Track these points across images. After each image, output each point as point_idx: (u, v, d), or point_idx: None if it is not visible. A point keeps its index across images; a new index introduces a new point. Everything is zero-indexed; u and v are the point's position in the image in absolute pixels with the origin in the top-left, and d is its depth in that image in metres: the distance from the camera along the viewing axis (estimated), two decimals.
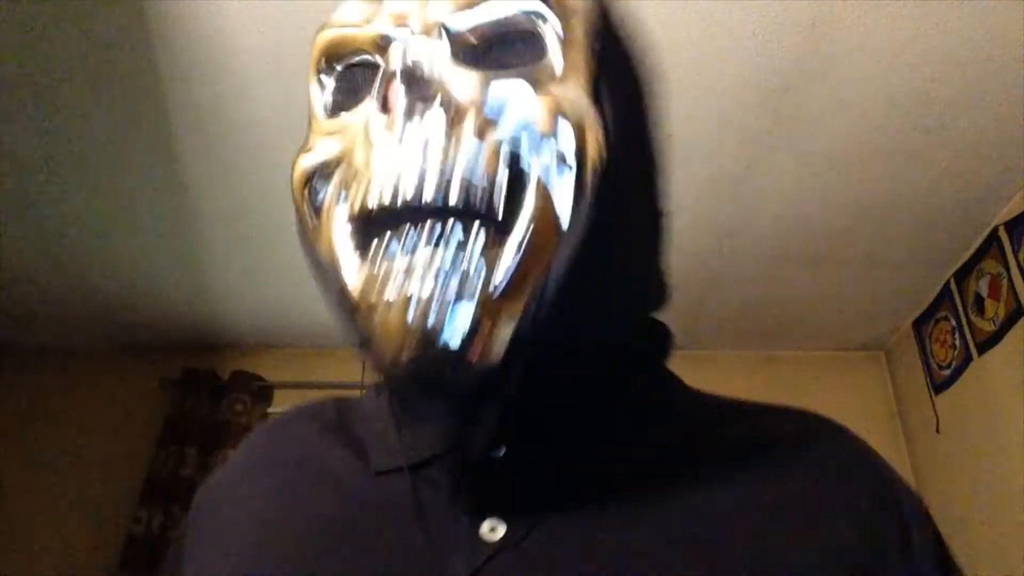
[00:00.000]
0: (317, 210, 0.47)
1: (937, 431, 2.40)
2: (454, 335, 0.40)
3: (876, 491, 0.48)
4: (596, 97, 0.45)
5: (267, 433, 0.60)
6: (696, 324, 2.60)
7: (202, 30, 1.59)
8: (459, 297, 0.40)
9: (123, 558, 2.41)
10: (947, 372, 2.34)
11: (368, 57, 0.49)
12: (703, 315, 2.56)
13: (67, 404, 2.77)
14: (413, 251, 0.41)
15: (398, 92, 0.43)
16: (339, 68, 0.50)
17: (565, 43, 0.46)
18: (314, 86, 0.51)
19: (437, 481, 0.47)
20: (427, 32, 0.46)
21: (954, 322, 2.31)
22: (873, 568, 0.44)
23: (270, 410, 2.75)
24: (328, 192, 0.46)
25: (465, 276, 0.40)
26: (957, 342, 2.29)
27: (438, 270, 0.40)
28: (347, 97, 0.50)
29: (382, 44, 0.47)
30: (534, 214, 0.42)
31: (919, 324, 2.52)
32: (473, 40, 0.46)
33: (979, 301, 2.17)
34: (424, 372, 0.42)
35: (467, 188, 0.41)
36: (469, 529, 0.44)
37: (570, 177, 0.42)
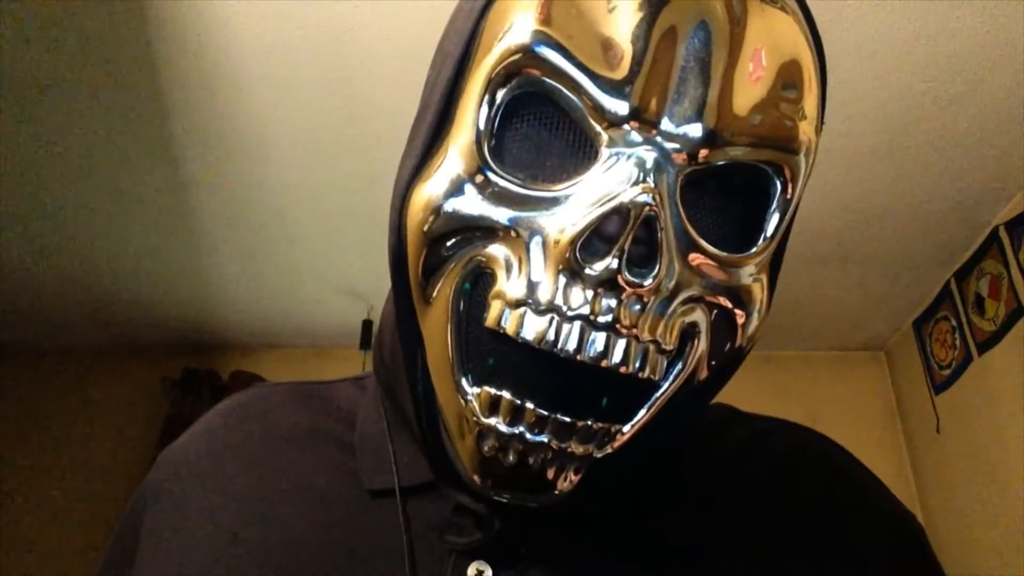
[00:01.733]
0: (433, 270, 0.40)
1: (937, 431, 2.40)
2: (540, 487, 0.40)
3: (876, 523, 0.49)
4: (772, 279, 0.44)
5: (243, 415, 0.55)
6: None
7: (202, 30, 1.59)
8: (563, 462, 0.40)
9: None
10: (947, 372, 2.34)
11: (576, 107, 0.39)
12: None
13: (67, 404, 2.77)
14: (543, 425, 0.39)
15: (621, 250, 0.37)
16: (525, 85, 0.40)
17: (785, 210, 0.42)
18: (480, 88, 0.40)
19: (428, 509, 0.46)
20: (667, 139, 0.38)
21: (954, 322, 2.30)
22: None
23: None
24: (458, 264, 0.40)
25: (577, 456, 0.39)
26: (957, 342, 2.29)
27: (561, 447, 0.39)
28: (519, 143, 0.40)
29: (613, 118, 0.38)
30: (663, 401, 0.40)
31: (919, 324, 2.52)
32: (709, 171, 0.39)
33: (979, 301, 2.17)
34: (505, 499, 0.41)
35: (634, 363, 0.38)
36: (455, 570, 0.43)
37: (710, 369, 0.41)
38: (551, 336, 0.37)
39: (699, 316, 0.40)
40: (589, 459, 0.39)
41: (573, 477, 0.40)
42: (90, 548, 2.51)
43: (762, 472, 0.50)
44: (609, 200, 0.37)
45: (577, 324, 0.37)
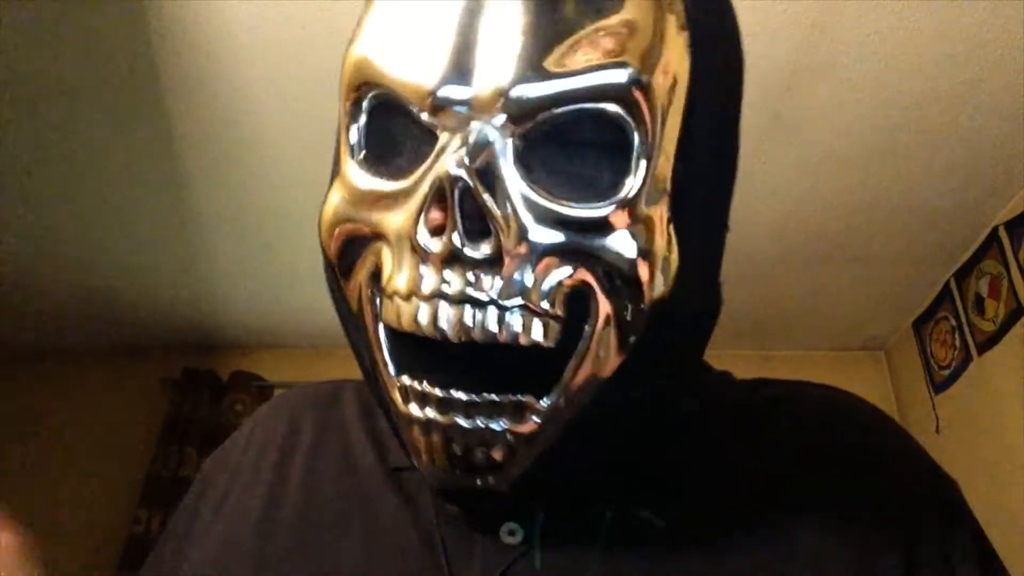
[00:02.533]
0: (346, 272, 0.44)
1: (937, 431, 2.40)
2: (472, 468, 0.41)
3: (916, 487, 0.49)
4: (677, 220, 0.41)
5: (293, 405, 0.60)
6: None
7: (202, 31, 1.59)
8: (482, 440, 0.40)
9: (123, 558, 2.41)
10: (947, 372, 2.34)
11: (408, 105, 0.41)
12: None
13: (67, 404, 2.77)
14: (448, 405, 0.40)
15: (452, 222, 0.38)
16: (375, 101, 0.43)
17: (652, 147, 0.40)
18: (343, 112, 0.45)
19: None
20: (488, 106, 0.39)
21: (954, 322, 2.30)
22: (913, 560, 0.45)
23: None
24: (359, 271, 0.43)
25: (492, 433, 0.40)
26: (957, 342, 2.29)
27: (467, 425, 0.40)
28: (383, 147, 0.43)
29: (435, 104, 0.40)
30: (583, 368, 0.40)
31: (919, 324, 2.52)
32: (539, 126, 0.39)
33: (979, 301, 2.17)
34: (458, 484, 0.42)
35: (509, 329, 0.39)
36: (486, 532, 0.46)
37: (639, 319, 0.40)
38: (420, 319, 0.39)
39: (582, 276, 0.39)
40: (512, 434, 0.40)
41: (505, 454, 0.40)
42: (90, 548, 2.51)
43: (786, 434, 0.50)
44: (434, 180, 0.38)
45: (435, 303, 0.38)
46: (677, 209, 0.41)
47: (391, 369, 0.42)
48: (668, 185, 0.40)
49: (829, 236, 2.18)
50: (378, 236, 0.41)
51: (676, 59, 0.41)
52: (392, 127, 0.43)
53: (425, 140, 0.41)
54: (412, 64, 0.40)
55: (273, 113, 1.79)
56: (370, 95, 0.43)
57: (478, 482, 0.41)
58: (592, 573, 0.43)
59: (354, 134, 0.44)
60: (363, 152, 0.43)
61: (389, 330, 0.42)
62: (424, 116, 0.40)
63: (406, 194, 0.40)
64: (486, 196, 0.38)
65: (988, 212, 2.07)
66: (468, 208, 0.38)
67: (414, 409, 0.41)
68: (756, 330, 2.68)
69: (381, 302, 0.42)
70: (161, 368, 2.78)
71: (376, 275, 0.42)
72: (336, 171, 0.45)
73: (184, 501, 0.59)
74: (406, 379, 0.41)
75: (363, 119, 0.44)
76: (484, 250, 0.38)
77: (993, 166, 1.91)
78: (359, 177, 0.43)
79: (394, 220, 0.40)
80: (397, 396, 0.42)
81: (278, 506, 0.51)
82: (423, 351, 0.40)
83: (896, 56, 1.61)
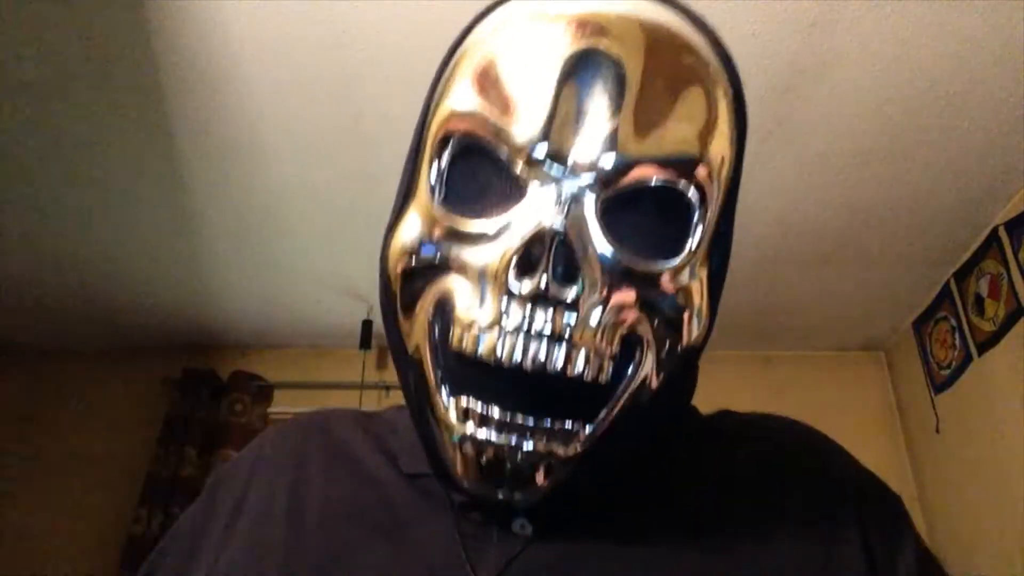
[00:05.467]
0: (409, 299, 0.48)
1: (937, 431, 2.40)
2: (517, 483, 0.46)
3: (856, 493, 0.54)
4: (711, 280, 0.49)
5: (300, 428, 0.63)
6: None
7: (202, 30, 1.59)
8: (533, 459, 0.45)
9: (123, 558, 2.41)
10: (947, 372, 2.34)
11: (502, 156, 0.46)
12: None
13: (67, 404, 2.77)
14: (507, 428, 0.45)
15: (544, 266, 0.43)
16: (462, 143, 0.48)
17: (705, 219, 0.48)
18: (429, 148, 0.49)
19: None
20: (581, 169, 0.45)
21: (954, 322, 2.31)
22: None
23: (270, 410, 2.75)
24: (426, 297, 0.48)
25: (543, 454, 0.45)
26: (957, 342, 2.29)
27: (525, 447, 0.45)
28: (465, 188, 0.48)
29: (531, 159, 0.45)
30: (622, 403, 0.46)
31: (919, 324, 2.52)
32: (619, 191, 0.45)
33: (979, 301, 2.17)
34: (489, 497, 0.47)
35: (576, 366, 0.44)
36: (501, 525, 0.50)
37: (664, 372, 0.47)
38: (498, 350, 0.44)
39: (640, 323, 0.46)
40: (555, 457, 0.45)
41: (545, 474, 0.45)
42: (90, 548, 2.51)
43: (751, 453, 0.56)
44: (532, 228, 0.44)
45: (519, 337, 0.44)
46: (716, 269, 0.50)
47: (445, 390, 0.47)
48: (708, 248, 0.49)
49: (829, 236, 2.18)
50: (452, 268, 0.46)
51: (727, 142, 0.49)
52: (478, 172, 0.48)
53: (512, 189, 0.46)
54: (514, 119, 0.46)
55: (273, 114, 1.79)
56: (453, 142, 0.48)
57: (512, 496, 0.46)
58: (594, 561, 0.49)
59: (435, 172, 0.49)
60: (444, 190, 0.48)
61: (453, 354, 0.46)
62: (518, 168, 0.46)
63: (492, 235, 0.46)
64: (577, 247, 0.44)
65: (988, 212, 2.07)
66: (559, 255, 0.43)
67: (470, 428, 0.45)
68: (756, 330, 2.68)
69: (448, 329, 0.46)
70: (161, 368, 2.78)
71: (442, 304, 0.47)
72: (406, 203, 0.50)
73: (188, 518, 0.60)
74: (467, 401, 0.46)
75: (447, 159, 0.48)
76: (568, 294, 0.44)
77: (993, 166, 1.91)
78: (439, 213, 0.47)
79: (478, 256, 0.46)
80: (451, 415, 0.46)
81: (301, 518, 0.54)
82: (487, 376, 0.45)
83: (896, 56, 1.61)
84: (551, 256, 0.43)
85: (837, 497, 0.53)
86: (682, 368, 0.48)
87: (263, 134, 1.85)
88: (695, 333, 0.47)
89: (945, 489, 2.39)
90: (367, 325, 2.58)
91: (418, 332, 0.48)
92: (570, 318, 0.44)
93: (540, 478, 0.45)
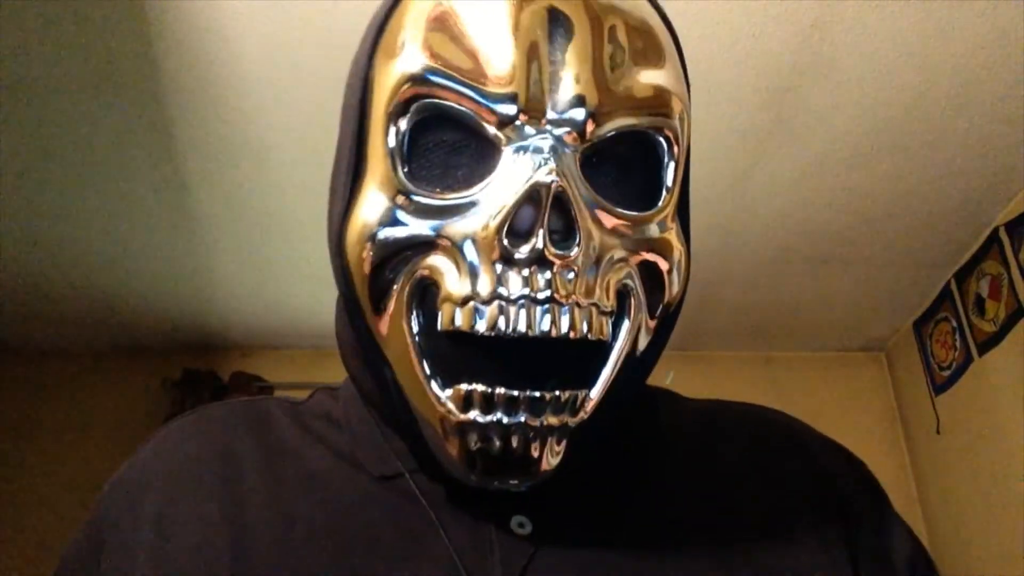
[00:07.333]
0: (381, 296, 0.44)
1: (937, 432, 2.40)
2: (528, 466, 0.43)
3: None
4: (684, 229, 0.49)
5: (212, 429, 0.54)
6: (696, 325, 2.60)
7: (202, 30, 1.59)
8: (544, 437, 0.43)
9: None
10: (947, 373, 2.34)
11: (470, 117, 0.43)
12: (703, 316, 2.55)
13: (67, 404, 2.77)
14: (516, 404, 0.42)
15: (541, 227, 0.40)
16: (419, 115, 0.44)
17: (677, 166, 0.47)
18: (382, 120, 0.44)
19: (435, 486, 0.48)
20: (558, 125, 0.43)
21: (954, 323, 2.30)
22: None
23: None
24: (403, 283, 0.43)
25: (555, 429, 0.43)
26: (958, 343, 2.29)
27: (536, 423, 0.42)
28: (430, 160, 0.44)
29: (504, 118, 0.42)
30: (620, 358, 0.45)
31: (919, 325, 2.52)
32: (597, 144, 0.44)
33: (980, 302, 2.17)
34: (494, 487, 0.44)
35: (581, 327, 0.42)
36: (498, 526, 0.46)
37: (654, 320, 0.46)
38: (501, 322, 0.41)
39: (628, 275, 0.45)
40: (566, 428, 0.43)
41: (556, 448, 0.43)
42: None
43: (731, 447, 0.55)
44: (521, 187, 0.41)
45: (522, 305, 0.41)
46: (683, 221, 0.50)
47: (437, 383, 0.43)
48: (680, 201, 0.49)
49: (829, 236, 2.18)
50: (431, 247, 0.42)
51: (685, 97, 0.49)
52: (442, 139, 0.44)
53: (485, 153, 0.43)
54: (477, 78, 0.42)
55: (273, 114, 1.79)
56: (414, 108, 0.44)
57: (520, 483, 0.43)
58: (605, 558, 0.46)
59: (395, 140, 0.44)
60: (407, 165, 0.44)
61: (445, 338, 0.42)
62: (489, 131, 0.43)
63: (474, 203, 0.42)
64: (570, 201, 0.41)
65: (988, 213, 2.07)
66: (555, 212, 0.41)
67: (474, 414, 0.42)
68: (757, 331, 2.68)
69: (435, 312, 0.42)
70: (161, 368, 2.77)
71: (423, 287, 0.43)
72: (357, 182, 0.46)
73: (76, 545, 0.51)
74: (467, 386, 0.42)
75: (406, 132, 0.44)
76: (567, 252, 0.41)
77: (993, 166, 1.91)
78: (407, 185, 0.43)
79: (461, 227, 0.42)
80: (450, 405, 0.42)
81: (243, 523, 0.46)
82: (486, 354, 0.42)
83: (896, 56, 1.61)
84: (547, 213, 0.40)
85: (820, 480, 0.53)
86: (667, 326, 0.48)
87: (263, 134, 1.85)
88: (676, 287, 0.47)
89: (945, 489, 2.39)
90: None
91: (394, 326, 0.43)
92: (569, 276, 0.41)
93: (549, 456, 0.43)
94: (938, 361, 2.40)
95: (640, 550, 0.47)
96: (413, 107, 0.44)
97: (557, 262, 0.41)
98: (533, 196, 0.41)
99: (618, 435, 0.51)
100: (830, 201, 2.04)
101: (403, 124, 0.44)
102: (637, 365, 0.46)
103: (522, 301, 0.41)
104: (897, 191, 2.00)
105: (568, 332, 0.41)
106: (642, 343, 0.46)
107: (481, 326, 0.41)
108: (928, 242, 2.20)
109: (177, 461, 0.52)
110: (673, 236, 0.47)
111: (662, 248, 0.46)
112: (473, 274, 0.41)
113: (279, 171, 1.98)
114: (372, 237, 0.43)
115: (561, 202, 0.41)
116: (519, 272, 0.41)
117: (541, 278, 0.41)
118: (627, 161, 0.46)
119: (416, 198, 0.43)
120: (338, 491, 0.48)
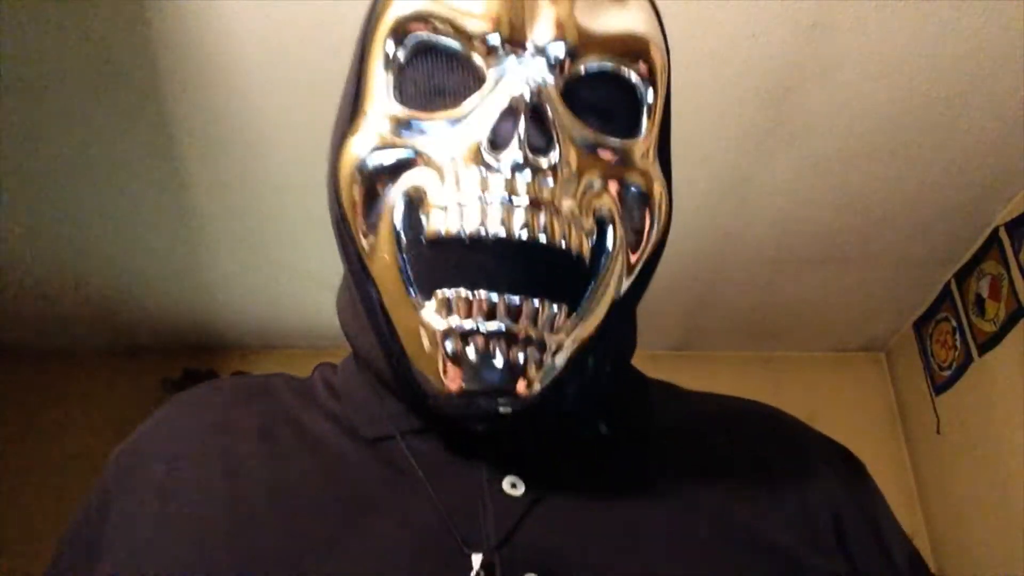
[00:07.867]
0: (371, 214, 0.46)
1: (938, 432, 2.40)
2: (509, 376, 0.43)
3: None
4: (664, 168, 0.51)
5: (212, 401, 0.57)
6: (696, 324, 2.60)
7: (202, 30, 1.59)
8: (523, 347, 0.43)
9: None
10: (948, 373, 2.34)
11: (458, 48, 0.47)
12: (703, 315, 2.55)
13: (67, 404, 2.77)
14: (496, 310, 0.43)
15: (519, 136, 0.43)
16: (416, 43, 0.48)
17: (653, 109, 0.50)
18: (380, 53, 0.49)
19: (428, 447, 0.49)
20: (541, 51, 0.46)
21: (955, 323, 2.30)
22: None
23: None
24: (391, 204, 0.46)
25: (533, 340, 0.43)
26: (958, 343, 2.29)
27: (513, 333, 0.43)
28: (421, 88, 0.48)
29: (490, 47, 0.46)
30: (603, 288, 0.46)
31: (919, 325, 2.52)
32: (579, 77, 0.47)
33: (980, 302, 2.17)
34: (475, 404, 0.44)
35: (558, 237, 0.44)
36: (491, 485, 0.47)
37: (636, 254, 0.48)
38: (483, 223, 0.42)
39: (608, 201, 0.46)
40: (544, 344, 0.43)
41: (536, 371, 0.43)
42: None
43: (717, 423, 0.56)
44: (504, 101, 0.44)
45: (501, 206, 0.43)
46: (664, 166, 0.52)
47: (416, 290, 0.45)
48: (659, 142, 0.51)
49: (829, 236, 2.18)
50: (418, 163, 0.45)
51: (664, 52, 0.51)
52: (434, 69, 0.47)
53: (471, 79, 0.47)
54: (465, 11, 0.46)
55: (273, 113, 1.79)
56: (408, 40, 0.47)
57: (498, 403, 0.44)
58: (597, 519, 0.47)
59: (391, 68, 0.48)
60: (399, 92, 0.48)
61: (428, 244, 0.44)
62: (476, 59, 0.46)
63: (458, 121, 0.45)
64: (548, 115, 0.44)
65: (988, 213, 2.07)
66: (533, 123, 0.43)
67: (454, 320, 0.43)
68: (756, 331, 2.68)
69: (420, 220, 0.45)
70: (161, 368, 2.77)
71: (409, 199, 0.45)
72: (356, 115, 0.49)
73: (85, 510, 0.55)
74: (445, 292, 0.43)
75: (402, 61, 0.48)
76: (546, 161, 0.43)
77: (993, 166, 1.91)
78: (398, 110, 0.47)
79: (446, 143, 0.45)
80: (429, 314, 0.44)
81: (239, 487, 0.48)
82: (468, 259, 0.43)
83: (896, 56, 1.61)
84: (526, 125, 0.43)
85: (806, 458, 0.54)
86: (650, 264, 0.49)
87: (263, 133, 1.85)
88: (656, 224, 0.48)
89: (945, 489, 2.39)
90: None
91: (383, 243, 0.46)
92: (548, 182, 0.43)
93: (531, 372, 0.43)
94: (938, 361, 2.40)
95: (631, 513, 0.47)
96: (406, 38, 0.47)
97: (537, 168, 0.43)
98: (513, 107, 0.44)
99: (610, 407, 0.52)
100: (830, 201, 2.04)
101: (399, 54, 0.48)
102: (618, 308, 0.47)
103: (503, 201, 0.43)
104: (897, 191, 2.00)
105: (546, 235, 0.43)
106: (624, 282, 0.47)
107: (464, 226, 0.43)
108: (928, 242, 2.19)
109: (180, 431, 0.54)
110: (652, 169, 0.49)
111: (641, 179, 0.48)
112: (456, 182, 0.44)
113: (279, 171, 1.98)
114: (362, 161, 0.46)
115: (539, 114, 0.44)
116: (500, 177, 0.43)
117: (521, 182, 0.43)
118: (606, 100, 0.48)
119: (405, 118, 0.47)
120: (331, 454, 0.50)
